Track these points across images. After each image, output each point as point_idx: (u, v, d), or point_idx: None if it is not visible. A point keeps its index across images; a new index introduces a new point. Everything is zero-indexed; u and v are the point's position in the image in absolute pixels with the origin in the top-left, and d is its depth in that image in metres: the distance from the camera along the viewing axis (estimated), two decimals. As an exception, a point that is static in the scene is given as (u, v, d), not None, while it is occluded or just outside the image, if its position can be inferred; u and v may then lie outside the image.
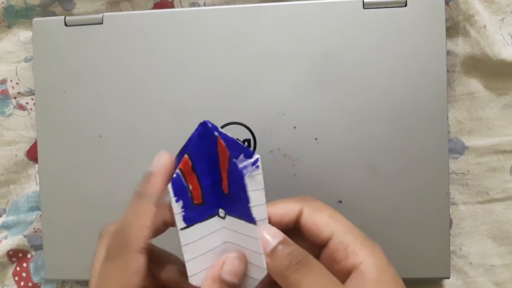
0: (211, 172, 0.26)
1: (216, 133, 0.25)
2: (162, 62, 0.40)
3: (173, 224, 0.26)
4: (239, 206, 0.25)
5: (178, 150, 0.28)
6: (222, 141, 0.25)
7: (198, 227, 0.26)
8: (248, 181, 0.24)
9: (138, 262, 0.24)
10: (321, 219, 0.27)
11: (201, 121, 0.26)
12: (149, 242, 0.25)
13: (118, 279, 0.24)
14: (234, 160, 0.25)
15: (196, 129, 0.26)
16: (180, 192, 0.25)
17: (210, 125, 0.26)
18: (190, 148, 0.25)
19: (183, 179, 0.25)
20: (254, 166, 0.25)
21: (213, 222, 0.26)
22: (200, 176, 0.26)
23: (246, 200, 0.25)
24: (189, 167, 0.25)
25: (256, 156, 0.25)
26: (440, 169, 0.38)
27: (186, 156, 0.25)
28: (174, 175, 0.25)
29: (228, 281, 0.25)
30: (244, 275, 0.26)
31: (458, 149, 0.41)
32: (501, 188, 0.40)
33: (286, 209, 0.28)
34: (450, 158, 0.41)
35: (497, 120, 0.40)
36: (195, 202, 0.26)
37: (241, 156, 0.25)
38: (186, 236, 0.25)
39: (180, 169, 0.25)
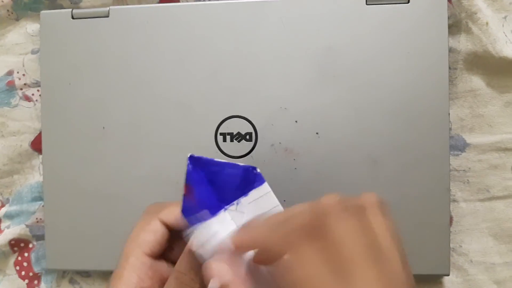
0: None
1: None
2: (167, 56, 0.40)
3: None
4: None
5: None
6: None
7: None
8: None
9: (156, 225, 0.27)
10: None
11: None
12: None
13: (137, 230, 0.28)
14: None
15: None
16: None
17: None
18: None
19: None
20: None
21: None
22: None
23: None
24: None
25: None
26: (441, 166, 0.38)
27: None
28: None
29: None
30: None
31: (459, 146, 0.41)
32: (502, 185, 0.40)
33: None
34: (451, 155, 0.41)
35: (498, 118, 0.40)
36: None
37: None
38: None
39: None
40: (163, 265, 0.28)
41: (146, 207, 0.31)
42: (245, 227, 0.25)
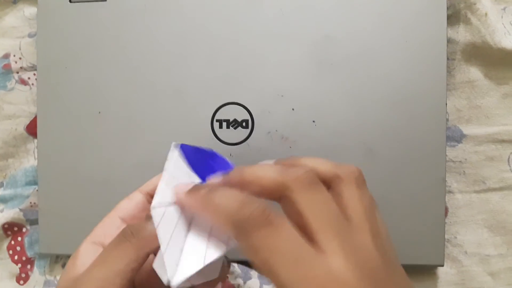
0: None
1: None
2: (164, 41, 0.40)
3: None
4: None
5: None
6: None
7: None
8: None
9: (134, 194, 0.30)
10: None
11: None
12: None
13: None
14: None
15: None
16: None
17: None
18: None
19: None
20: None
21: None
22: None
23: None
24: None
25: None
26: (437, 156, 0.38)
27: None
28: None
29: None
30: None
31: (456, 137, 0.40)
32: (498, 177, 0.40)
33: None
34: (448, 146, 0.40)
35: (496, 109, 0.40)
36: None
37: None
38: None
39: None
40: None
41: None
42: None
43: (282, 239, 0.20)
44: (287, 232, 0.20)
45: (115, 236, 0.25)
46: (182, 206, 0.24)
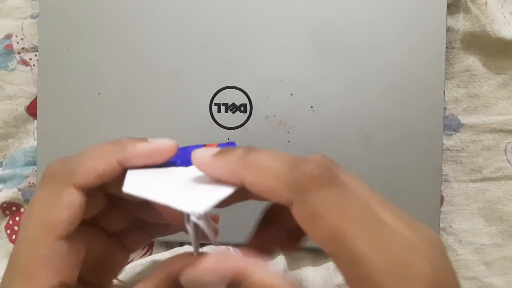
0: None
1: None
2: (164, 23, 0.40)
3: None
4: None
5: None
6: None
7: None
8: None
9: (70, 196, 0.20)
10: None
11: None
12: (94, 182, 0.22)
13: (43, 206, 0.21)
14: None
15: None
16: None
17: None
18: None
19: None
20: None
21: None
22: None
23: None
24: None
25: None
26: (434, 145, 0.38)
27: None
28: None
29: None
30: None
31: (453, 126, 0.41)
32: (494, 167, 0.40)
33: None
34: (445, 134, 0.41)
35: (494, 99, 0.40)
36: None
37: None
38: None
39: None
40: (81, 242, 0.21)
41: (47, 168, 0.22)
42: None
43: (353, 201, 0.17)
44: (358, 193, 0.18)
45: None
46: (208, 171, 0.20)
